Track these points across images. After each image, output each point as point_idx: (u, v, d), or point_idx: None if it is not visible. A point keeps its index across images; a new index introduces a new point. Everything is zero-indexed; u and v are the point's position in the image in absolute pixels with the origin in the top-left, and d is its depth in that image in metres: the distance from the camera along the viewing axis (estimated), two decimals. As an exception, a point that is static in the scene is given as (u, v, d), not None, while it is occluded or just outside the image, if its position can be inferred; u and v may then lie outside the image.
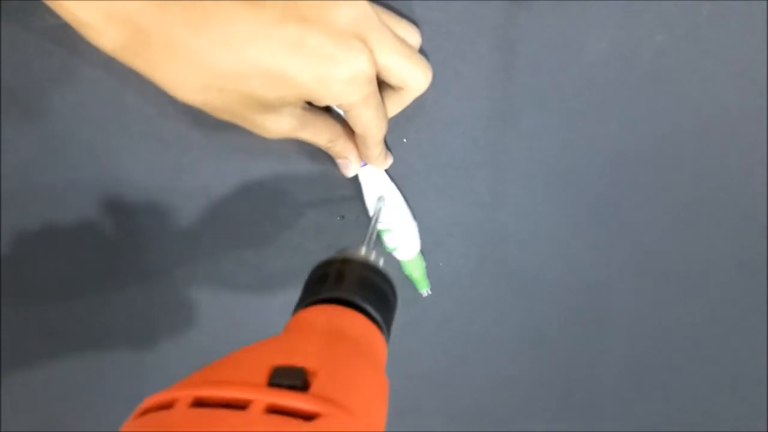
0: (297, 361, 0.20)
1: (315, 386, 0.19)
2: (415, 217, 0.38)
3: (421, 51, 0.33)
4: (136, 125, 0.35)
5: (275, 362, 0.20)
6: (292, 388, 0.19)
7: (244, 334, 0.41)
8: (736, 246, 0.39)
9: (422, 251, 0.38)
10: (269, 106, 0.28)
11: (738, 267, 0.40)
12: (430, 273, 0.39)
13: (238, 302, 0.41)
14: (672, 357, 0.43)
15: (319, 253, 0.39)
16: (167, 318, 0.41)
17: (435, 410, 0.45)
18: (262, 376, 0.19)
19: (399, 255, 0.38)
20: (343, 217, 0.38)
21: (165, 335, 0.42)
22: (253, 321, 0.41)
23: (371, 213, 0.36)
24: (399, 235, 0.37)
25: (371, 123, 0.30)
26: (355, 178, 0.35)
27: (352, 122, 0.30)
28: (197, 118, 0.34)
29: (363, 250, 0.29)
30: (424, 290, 0.39)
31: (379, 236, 0.37)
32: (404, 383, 0.44)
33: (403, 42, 0.29)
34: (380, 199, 0.36)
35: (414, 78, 0.30)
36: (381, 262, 0.29)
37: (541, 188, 0.37)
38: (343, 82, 0.26)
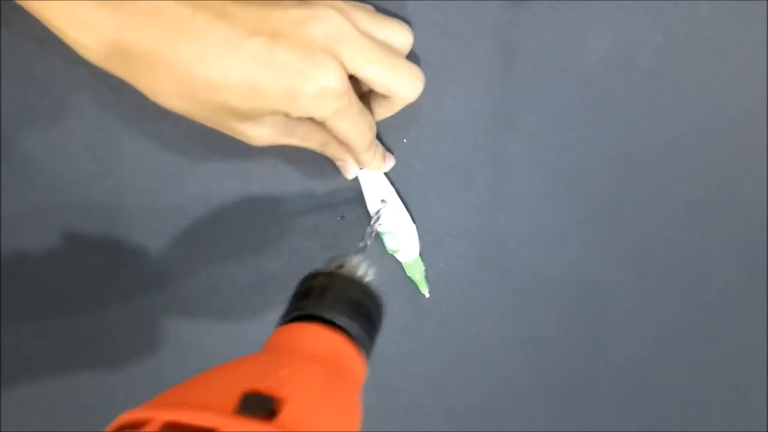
0: (269, 385, 0.20)
1: (283, 415, 0.19)
2: (415, 219, 0.38)
3: (420, 51, 0.33)
4: (136, 126, 0.35)
5: (246, 386, 0.20)
6: (260, 416, 0.19)
7: (245, 334, 0.41)
8: (736, 246, 0.39)
9: (422, 252, 0.38)
10: (245, 116, 0.28)
11: (738, 267, 0.40)
12: (430, 273, 0.39)
13: (238, 302, 0.41)
14: (672, 357, 0.43)
15: (319, 253, 0.39)
16: (167, 319, 0.41)
17: (435, 410, 0.45)
18: (232, 401, 0.19)
19: (400, 257, 0.38)
20: (343, 217, 0.38)
21: (164, 336, 0.42)
22: (253, 321, 0.41)
23: (371, 215, 0.36)
24: (399, 237, 0.37)
25: (349, 133, 0.30)
26: (356, 178, 0.35)
27: (331, 132, 0.30)
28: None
29: (354, 261, 0.29)
30: (425, 292, 0.40)
31: (380, 238, 0.37)
32: (404, 383, 0.44)
33: (385, 51, 0.29)
34: (382, 202, 0.36)
35: (399, 88, 0.30)
36: (370, 275, 0.29)
37: (541, 188, 0.37)
38: (310, 96, 0.27)
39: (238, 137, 0.30)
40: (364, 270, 0.29)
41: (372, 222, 0.35)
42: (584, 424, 0.46)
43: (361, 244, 0.33)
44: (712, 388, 0.44)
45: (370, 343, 0.27)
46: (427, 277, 0.39)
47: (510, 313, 0.41)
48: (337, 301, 0.26)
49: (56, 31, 0.26)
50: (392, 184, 0.36)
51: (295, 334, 0.25)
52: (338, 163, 0.35)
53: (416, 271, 0.39)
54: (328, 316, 0.25)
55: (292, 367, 0.22)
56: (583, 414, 0.45)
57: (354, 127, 0.30)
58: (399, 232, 0.37)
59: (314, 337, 0.25)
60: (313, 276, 0.28)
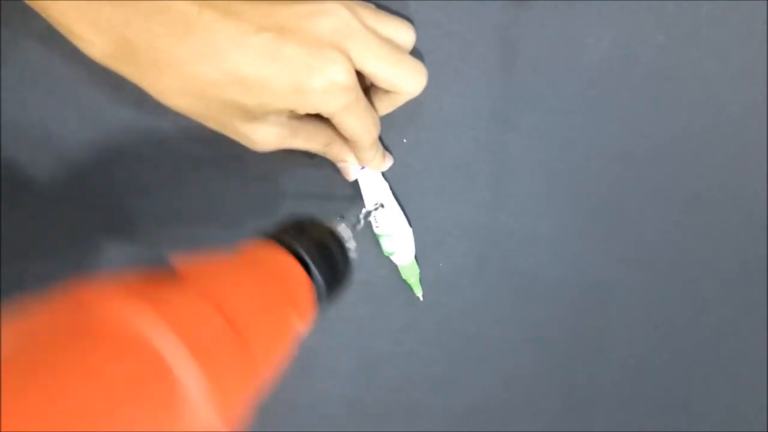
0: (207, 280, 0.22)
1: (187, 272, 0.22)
2: (415, 218, 0.38)
3: (421, 51, 0.33)
4: (137, 126, 0.35)
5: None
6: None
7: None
8: (737, 246, 0.39)
9: (423, 251, 0.38)
10: (251, 115, 0.28)
11: (738, 267, 0.40)
12: (431, 273, 0.39)
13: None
14: (672, 357, 0.43)
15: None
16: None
17: (435, 410, 0.45)
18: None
19: (396, 260, 0.38)
20: (343, 217, 0.38)
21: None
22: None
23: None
24: (395, 240, 0.37)
25: (356, 129, 0.30)
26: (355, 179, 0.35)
27: (338, 128, 0.30)
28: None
29: (340, 225, 0.30)
30: (419, 295, 0.40)
31: (377, 241, 0.37)
32: (404, 383, 0.44)
33: (390, 47, 0.29)
34: (380, 206, 0.36)
35: (403, 83, 0.30)
36: (351, 244, 0.30)
37: (541, 188, 0.37)
38: (318, 91, 0.27)
39: (243, 141, 0.30)
40: (347, 235, 0.30)
41: (367, 208, 0.35)
42: (585, 424, 0.46)
43: (354, 221, 0.33)
44: (712, 388, 0.44)
45: (328, 290, 0.27)
46: (421, 281, 0.39)
47: (510, 312, 0.41)
48: (305, 235, 0.27)
49: (61, 29, 0.26)
50: (391, 184, 0.36)
51: (254, 245, 0.27)
52: (339, 165, 0.34)
53: (411, 274, 0.39)
54: (288, 240, 0.27)
55: (233, 267, 0.24)
56: (583, 413, 0.45)
57: (361, 122, 0.30)
58: (395, 235, 0.37)
59: (268, 251, 0.26)
60: (295, 217, 0.29)
